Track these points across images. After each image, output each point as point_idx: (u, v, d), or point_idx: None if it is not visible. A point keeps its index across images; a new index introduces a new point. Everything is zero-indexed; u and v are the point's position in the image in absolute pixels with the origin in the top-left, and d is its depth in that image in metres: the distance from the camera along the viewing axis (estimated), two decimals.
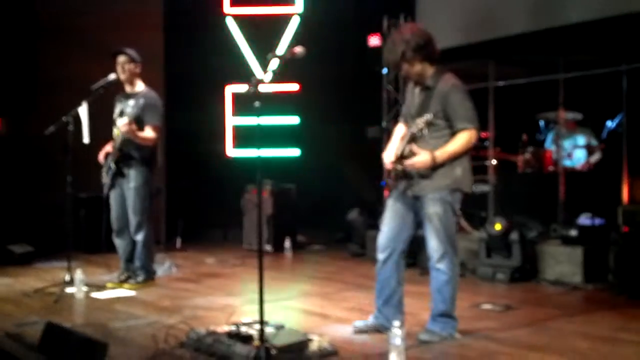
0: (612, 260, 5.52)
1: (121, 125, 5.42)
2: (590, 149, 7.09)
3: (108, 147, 5.71)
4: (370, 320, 4.13)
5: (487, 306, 4.83)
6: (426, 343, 3.82)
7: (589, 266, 5.63)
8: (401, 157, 3.88)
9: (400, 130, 4.12)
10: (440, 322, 3.92)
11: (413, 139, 3.80)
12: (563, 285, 5.61)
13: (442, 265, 3.90)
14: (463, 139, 3.82)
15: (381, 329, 3.99)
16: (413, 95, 4.06)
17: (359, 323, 4.14)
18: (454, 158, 3.83)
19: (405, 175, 3.93)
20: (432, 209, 3.88)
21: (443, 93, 3.85)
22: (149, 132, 5.52)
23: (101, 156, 5.71)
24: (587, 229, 5.87)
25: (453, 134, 3.85)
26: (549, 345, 3.85)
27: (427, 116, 3.72)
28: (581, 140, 7.08)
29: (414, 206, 3.98)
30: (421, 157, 3.79)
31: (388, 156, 3.99)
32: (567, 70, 6.64)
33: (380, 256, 4.07)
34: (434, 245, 3.90)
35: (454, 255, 3.93)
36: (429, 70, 3.92)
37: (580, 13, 6.39)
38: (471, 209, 6.92)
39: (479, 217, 6.94)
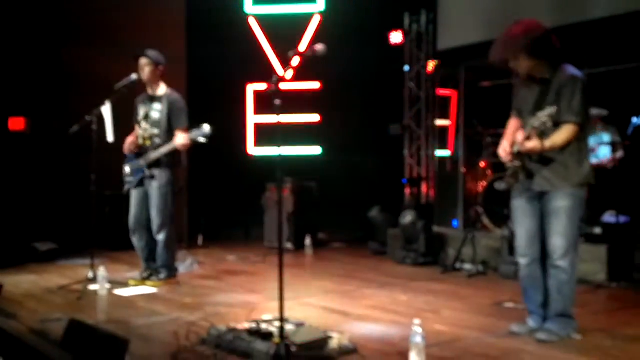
0: (637, 259, 5.45)
1: (179, 142, 5.44)
2: (615, 146, 6.99)
3: (131, 138, 5.72)
4: (529, 323, 4.04)
5: (509, 304, 4.79)
6: (544, 342, 3.77)
7: (613, 264, 5.56)
8: (517, 153, 3.84)
9: (512, 125, 4.06)
10: (559, 322, 3.85)
11: (539, 133, 3.71)
12: (587, 283, 5.54)
13: (563, 263, 3.80)
14: (566, 132, 3.75)
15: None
16: (528, 90, 3.99)
17: (517, 327, 4.03)
18: (562, 149, 3.76)
19: (524, 170, 3.87)
20: (562, 202, 3.79)
21: (560, 84, 3.80)
22: (182, 137, 5.50)
23: (126, 147, 5.72)
24: (611, 227, 5.79)
25: (556, 124, 3.74)
26: (572, 344, 3.81)
27: (551, 109, 3.64)
28: (606, 137, 6.98)
29: (539, 202, 3.90)
30: (531, 142, 3.74)
31: (504, 149, 3.95)
32: (592, 66, 6.55)
33: (522, 261, 4.03)
34: (557, 241, 3.79)
35: (575, 254, 3.83)
36: (545, 64, 3.85)
37: (605, 8, 6.30)
38: (493, 207, 6.86)
39: (501, 215, 6.88)
